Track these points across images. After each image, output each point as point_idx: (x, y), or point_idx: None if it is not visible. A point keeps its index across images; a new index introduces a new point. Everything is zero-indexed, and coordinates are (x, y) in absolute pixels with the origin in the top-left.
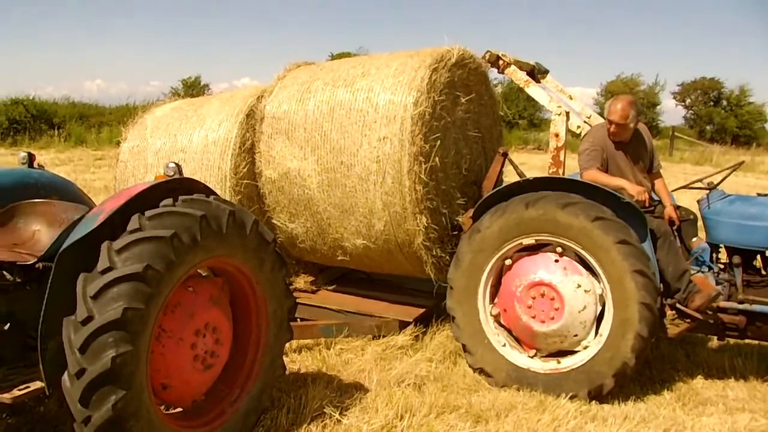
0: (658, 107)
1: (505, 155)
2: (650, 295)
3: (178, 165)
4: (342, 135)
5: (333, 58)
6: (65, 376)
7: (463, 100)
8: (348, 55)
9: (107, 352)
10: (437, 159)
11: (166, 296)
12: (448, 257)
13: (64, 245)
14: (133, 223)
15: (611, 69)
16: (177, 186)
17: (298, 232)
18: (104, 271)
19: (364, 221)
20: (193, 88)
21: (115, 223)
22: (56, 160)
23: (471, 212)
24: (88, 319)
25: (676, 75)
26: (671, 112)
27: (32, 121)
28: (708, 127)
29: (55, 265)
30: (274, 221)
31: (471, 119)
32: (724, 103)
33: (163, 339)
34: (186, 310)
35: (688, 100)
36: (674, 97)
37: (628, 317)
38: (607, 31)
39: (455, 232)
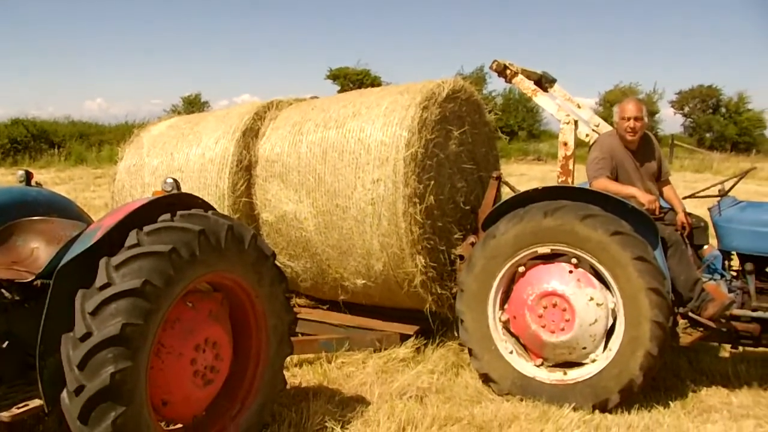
0: (656, 116)
1: (498, 179)
2: (663, 314)
3: (176, 180)
4: (336, 177)
5: (332, 73)
6: (64, 394)
7: (456, 134)
8: (347, 70)
9: (106, 368)
10: (432, 198)
11: (165, 312)
12: (448, 293)
13: (62, 262)
14: (131, 238)
15: (609, 78)
16: (175, 201)
17: (298, 272)
18: (102, 287)
19: (363, 262)
20: (194, 105)
21: (114, 239)
22: (57, 179)
23: (471, 239)
24: (87, 335)
25: (674, 83)
26: (670, 121)
27: (32, 140)
28: (707, 135)
29: (54, 282)
30: None
31: (465, 150)
32: (723, 110)
33: (162, 355)
34: (185, 325)
35: (686, 108)
36: (672, 106)
37: (640, 335)
38: (604, 40)
39: (454, 268)
